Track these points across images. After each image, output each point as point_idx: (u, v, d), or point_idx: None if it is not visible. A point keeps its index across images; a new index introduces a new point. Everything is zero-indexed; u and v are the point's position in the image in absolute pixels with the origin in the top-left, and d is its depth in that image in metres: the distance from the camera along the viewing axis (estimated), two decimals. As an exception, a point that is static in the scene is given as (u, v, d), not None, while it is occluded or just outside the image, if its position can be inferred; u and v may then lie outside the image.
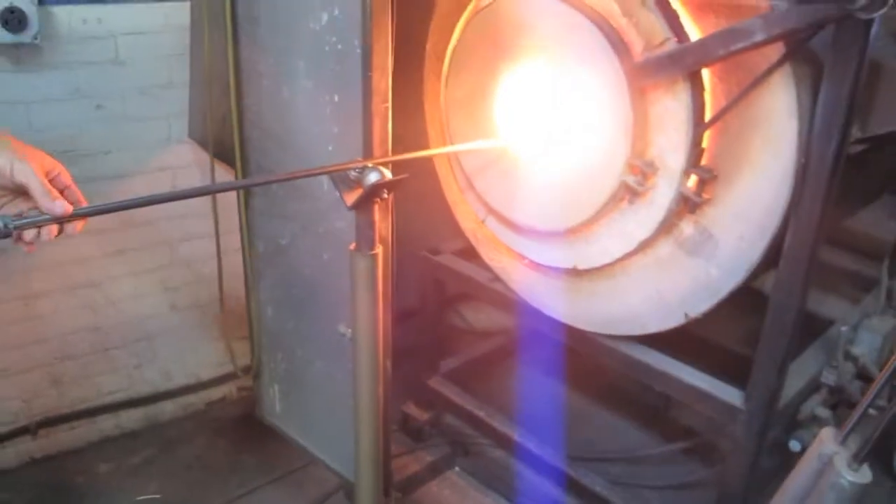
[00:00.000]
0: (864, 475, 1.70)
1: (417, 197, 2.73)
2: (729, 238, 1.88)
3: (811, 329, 2.34)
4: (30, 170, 1.23)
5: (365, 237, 1.71)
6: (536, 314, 2.38)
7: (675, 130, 1.83)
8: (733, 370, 2.12)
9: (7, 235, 1.19)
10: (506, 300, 2.48)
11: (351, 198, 1.66)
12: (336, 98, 1.88)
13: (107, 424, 2.91)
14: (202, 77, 2.38)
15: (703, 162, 1.86)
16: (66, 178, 1.34)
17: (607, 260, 2.06)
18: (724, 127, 1.82)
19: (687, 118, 1.80)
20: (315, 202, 2.07)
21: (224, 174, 2.64)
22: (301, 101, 2.01)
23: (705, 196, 1.86)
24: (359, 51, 1.74)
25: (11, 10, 2.27)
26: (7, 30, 2.27)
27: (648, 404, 3.09)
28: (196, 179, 2.74)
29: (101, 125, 2.56)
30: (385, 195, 1.68)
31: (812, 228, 1.74)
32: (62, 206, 1.25)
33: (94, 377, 2.84)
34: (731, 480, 2.11)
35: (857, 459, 1.70)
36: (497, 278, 2.50)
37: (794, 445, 2.28)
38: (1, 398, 2.67)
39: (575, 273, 2.19)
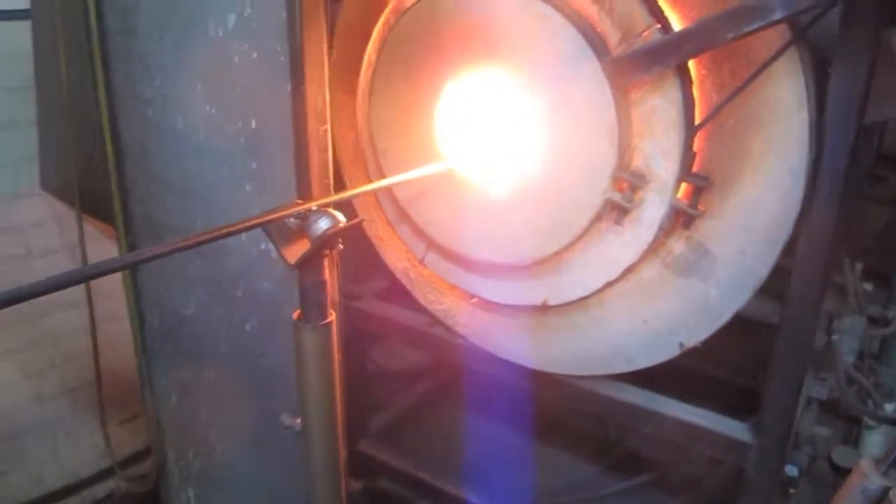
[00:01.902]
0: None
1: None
2: (729, 253, 1.62)
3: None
4: None
5: (313, 303, 1.33)
6: (490, 360, 2.05)
7: (664, 133, 1.55)
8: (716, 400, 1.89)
9: None
10: (450, 346, 2.13)
11: (293, 254, 1.28)
12: (253, 124, 1.47)
13: (-32, 551, 2.36)
14: (57, 112, 1.90)
15: (696, 168, 1.60)
16: None
17: (584, 293, 1.76)
18: (718, 126, 1.56)
19: (678, 118, 1.53)
20: (227, 259, 1.64)
21: (92, 230, 2.18)
22: (203, 132, 1.58)
23: (700, 207, 1.60)
24: (283, 58, 1.34)
25: None
26: None
27: (599, 437, 2.84)
28: (55, 238, 2.24)
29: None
30: (339, 246, 1.31)
31: (828, 234, 1.51)
32: None
33: (-55, 496, 2.29)
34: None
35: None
36: (437, 322, 2.15)
37: (791, 470, 2.06)
38: None
39: (541, 309, 1.88)
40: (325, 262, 1.32)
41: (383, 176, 1.98)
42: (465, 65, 1.68)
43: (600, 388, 1.93)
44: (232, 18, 1.42)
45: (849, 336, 2.19)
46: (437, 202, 1.86)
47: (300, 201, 1.33)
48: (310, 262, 1.29)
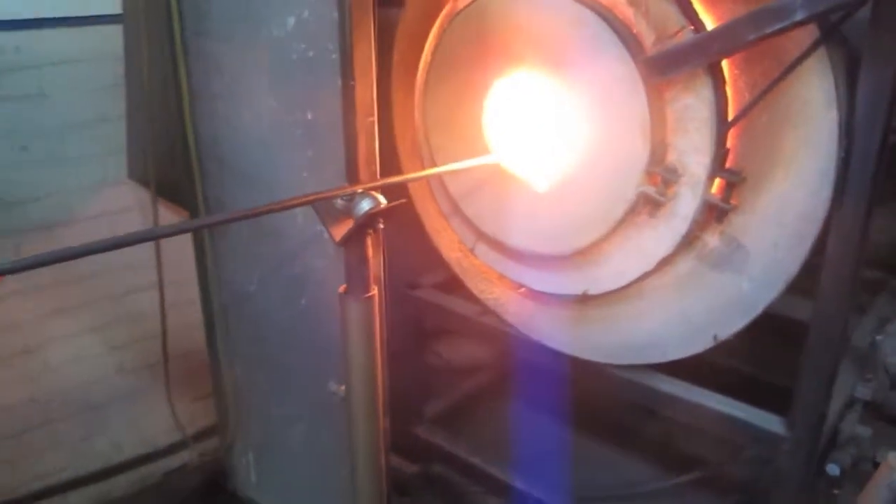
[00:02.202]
0: (945, 506, 1.52)
1: (390, 227, 2.50)
2: (762, 247, 1.67)
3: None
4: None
5: (357, 278, 1.45)
6: (537, 348, 2.14)
7: (696, 131, 1.62)
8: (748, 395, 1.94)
9: None
10: (499, 335, 2.23)
11: (339, 231, 1.40)
12: (309, 115, 1.62)
13: (53, 508, 2.57)
14: (141, 108, 2.09)
15: (729, 164, 1.66)
16: None
17: (622, 283, 1.84)
18: (750, 124, 1.62)
19: (710, 116, 1.60)
20: (286, 241, 1.79)
21: (172, 217, 2.37)
22: (266, 123, 1.74)
23: (733, 202, 1.66)
24: (335, 56, 1.48)
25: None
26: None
27: (649, 437, 2.88)
28: (138, 225, 2.44)
29: (27, 169, 2.26)
30: (380, 225, 1.43)
31: (857, 230, 1.55)
32: None
33: (35, 455, 2.50)
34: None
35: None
36: (487, 311, 2.26)
37: (833, 469, 2.08)
38: (-75, 491, 2.32)
39: (582, 300, 1.96)
40: (368, 240, 1.44)
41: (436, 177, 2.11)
42: (511, 65, 1.79)
43: (641, 377, 2.00)
44: (291, 21, 1.56)
45: (894, 338, 2.20)
46: (486, 195, 1.97)
47: (347, 185, 1.46)
48: (354, 240, 1.41)
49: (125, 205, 2.45)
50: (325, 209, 1.41)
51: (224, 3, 1.74)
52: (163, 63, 1.96)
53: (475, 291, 2.26)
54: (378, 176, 1.56)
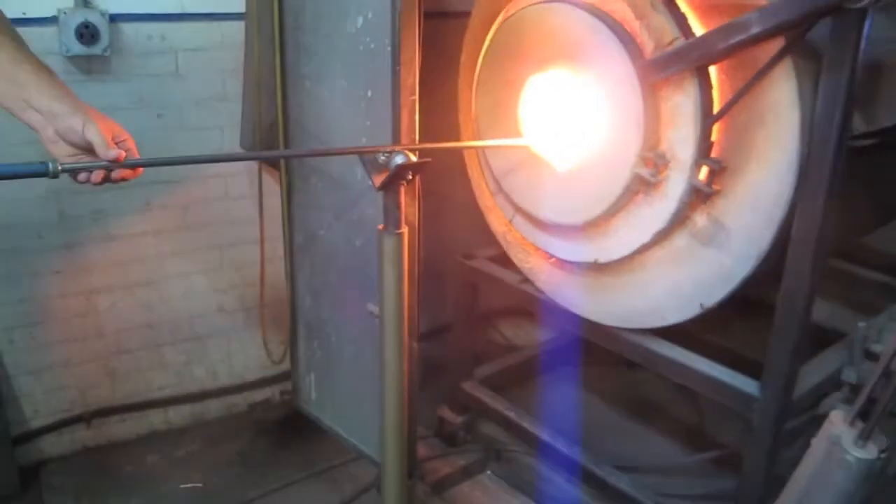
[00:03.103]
0: (871, 452, 1.76)
1: (454, 206, 2.90)
2: (739, 227, 1.97)
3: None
4: (97, 128, 1.44)
5: (392, 218, 1.84)
6: (563, 313, 2.48)
7: (684, 124, 1.95)
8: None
9: (54, 176, 1.38)
10: (534, 300, 2.58)
11: (379, 179, 1.80)
12: (369, 93, 2.05)
13: (156, 419, 3.07)
14: (252, 88, 2.58)
15: (713, 154, 1.97)
16: (130, 143, 1.54)
17: (625, 252, 2.17)
18: (732, 121, 1.93)
19: (695, 112, 1.92)
20: (348, 192, 2.24)
21: (272, 180, 2.85)
22: (338, 99, 2.19)
23: (715, 187, 1.97)
24: (388, 48, 1.91)
25: (86, 25, 2.50)
26: (81, 42, 2.50)
27: (682, 419, 3.16)
28: (245, 185, 2.92)
29: (160, 133, 2.76)
30: (409, 177, 1.82)
31: (818, 215, 1.82)
32: (114, 154, 1.44)
33: (146, 372, 3.01)
34: (751, 468, 2.16)
35: (864, 437, 1.77)
36: (526, 280, 2.62)
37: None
38: (60, 387, 2.85)
39: (597, 269, 2.30)
40: (402, 188, 1.83)
41: (485, 155, 2.50)
42: (541, 65, 2.16)
43: (646, 342, 2.32)
44: (360, 20, 2.01)
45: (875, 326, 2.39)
46: (521, 174, 2.34)
47: (388, 145, 1.87)
48: (390, 187, 1.81)
49: (237, 169, 2.93)
50: (371, 162, 1.81)
51: (314, 5, 2.21)
52: (270, 52, 2.45)
53: (516, 261, 2.63)
54: (416, 142, 1.96)
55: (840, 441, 1.81)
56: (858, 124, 2.02)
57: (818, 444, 1.90)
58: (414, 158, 1.79)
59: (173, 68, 2.75)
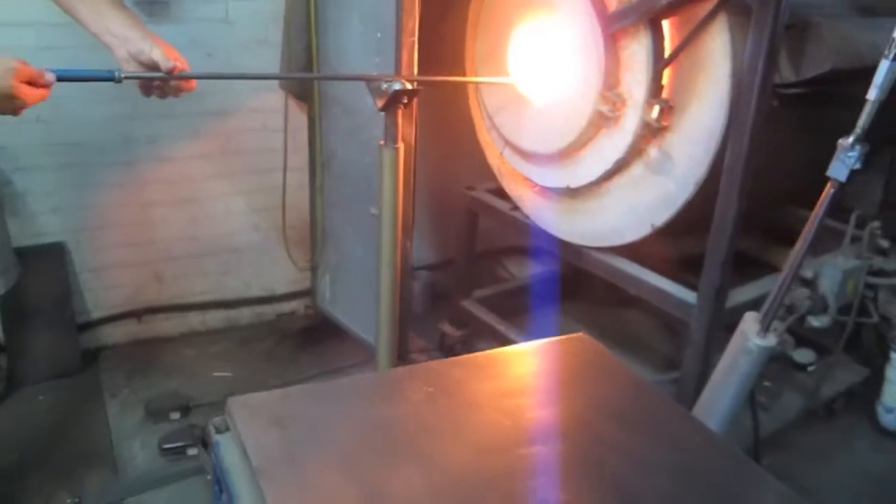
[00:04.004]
0: (769, 341, 2.15)
1: (459, 146, 3.31)
2: (682, 158, 2.35)
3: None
4: (160, 49, 1.86)
5: (390, 135, 2.26)
6: (543, 234, 2.89)
7: (638, 69, 2.33)
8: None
9: (118, 81, 1.79)
10: (521, 225, 2.99)
11: (380, 102, 2.23)
12: (378, 35, 2.49)
13: (195, 320, 3.55)
14: (290, 35, 3.03)
15: (663, 95, 2.35)
16: (183, 63, 1.94)
17: (591, 178, 2.55)
18: (679, 67, 2.30)
19: (647, 59, 2.30)
20: (360, 117, 2.68)
21: (301, 114, 3.29)
22: (356, 39, 2.63)
23: (664, 123, 2.34)
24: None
25: (144, -31, 2.96)
26: (139, -16, 2.96)
27: (661, 353, 3.52)
28: (280, 119, 3.36)
29: (210, 70, 3.20)
30: (405, 101, 2.23)
31: (744, 146, 2.19)
32: (171, 65, 1.86)
33: (188, 279, 3.47)
34: (687, 367, 2.55)
35: (764, 327, 2.15)
36: (515, 207, 3.03)
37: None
38: (116, 286, 3.34)
39: (569, 195, 2.69)
40: (399, 111, 2.25)
41: (481, 95, 2.91)
42: (523, 19, 2.56)
43: (608, 259, 2.71)
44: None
45: (834, 269, 2.73)
46: (509, 110, 2.74)
47: (389, 74, 2.28)
48: (389, 109, 2.22)
49: (274, 106, 3.36)
50: (375, 88, 2.22)
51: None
52: (304, 3, 2.89)
53: (507, 191, 3.04)
54: (413, 74, 2.39)
55: (745, 332, 2.19)
56: (788, 74, 2.39)
57: (734, 340, 2.29)
58: (408, 86, 2.20)
59: (223, 15, 3.17)
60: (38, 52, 2.87)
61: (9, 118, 2.68)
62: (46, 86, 1.69)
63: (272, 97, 3.36)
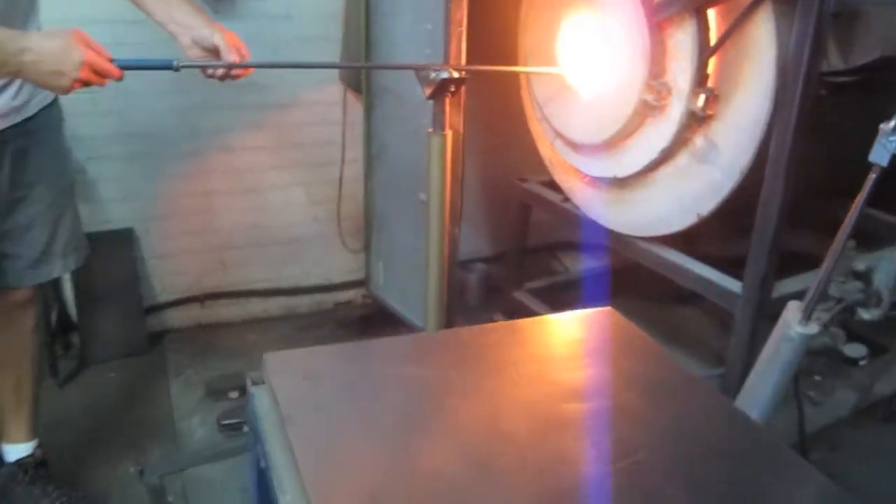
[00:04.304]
0: (811, 329, 2.14)
1: (512, 138, 3.36)
2: (728, 146, 2.36)
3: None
4: (222, 37, 1.96)
5: (438, 122, 2.33)
6: (593, 226, 2.92)
7: (684, 58, 2.34)
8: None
9: (176, 70, 1.89)
10: (572, 216, 3.03)
11: (428, 91, 2.30)
12: (428, 27, 2.56)
13: (256, 307, 3.68)
14: (348, 29, 3.13)
15: (709, 84, 2.36)
16: (244, 51, 2.04)
17: (638, 167, 2.57)
18: (725, 55, 2.31)
19: (693, 48, 2.31)
20: (410, 106, 2.77)
21: (358, 106, 3.40)
22: (407, 32, 2.71)
23: (709, 112, 2.36)
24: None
25: (215, -23, 3.10)
26: (214, -7, 3.10)
27: (714, 350, 3.50)
28: (338, 112, 3.46)
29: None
30: (452, 89, 2.30)
31: (790, 134, 2.19)
32: (233, 58, 1.96)
33: (250, 266, 3.60)
34: (732, 358, 2.55)
35: (806, 315, 2.15)
36: (566, 199, 3.06)
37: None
38: (181, 272, 3.49)
39: (618, 185, 2.72)
40: (447, 99, 2.31)
41: (531, 87, 2.95)
42: (570, 11, 2.60)
43: (655, 249, 2.73)
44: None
45: (891, 263, 2.70)
46: (558, 101, 2.78)
47: (437, 63, 2.36)
48: (436, 96, 2.29)
49: (334, 99, 3.47)
50: (424, 77, 2.30)
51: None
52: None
53: (558, 182, 3.08)
54: (461, 63, 2.46)
55: (788, 321, 2.19)
56: (837, 62, 2.38)
57: (776, 328, 2.28)
58: (455, 75, 2.27)
59: (285, 11, 3.30)
60: (113, 48, 3.03)
61: (86, 110, 2.85)
62: (110, 77, 1.79)
63: (332, 91, 3.47)
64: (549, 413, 1.34)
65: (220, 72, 1.97)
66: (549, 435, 1.29)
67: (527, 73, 2.92)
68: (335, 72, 3.41)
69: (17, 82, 2.03)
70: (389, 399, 1.31)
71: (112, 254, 3.28)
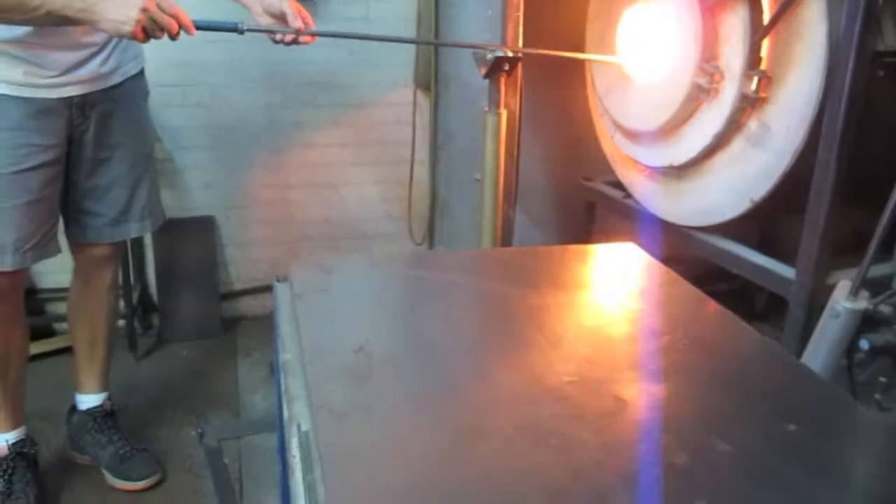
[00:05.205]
0: (859, 304, 2.11)
1: (579, 138, 3.42)
2: (780, 128, 2.36)
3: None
4: (289, 4, 2.12)
5: (493, 101, 2.44)
6: (652, 218, 2.94)
7: (736, 41, 2.37)
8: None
9: (241, 32, 2.03)
10: (633, 211, 3.06)
11: (483, 70, 2.41)
12: (489, 12, 2.67)
13: (328, 300, 3.82)
14: (420, 26, 3.29)
15: (762, 67, 2.38)
16: (309, 20, 2.19)
17: (693, 154, 2.60)
18: (777, 37, 2.33)
19: (744, 31, 2.35)
20: (472, 91, 2.88)
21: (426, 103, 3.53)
22: (471, 20, 2.84)
23: (762, 94, 2.38)
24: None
25: (299, -25, 3.30)
26: (294, -13, 3.31)
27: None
28: (409, 112, 3.60)
29: (351, 66, 3.51)
30: (507, 68, 2.40)
31: (842, 114, 2.19)
32: (298, 25, 2.11)
33: (320, 256, 3.76)
34: (786, 347, 2.51)
35: (853, 290, 2.12)
36: (628, 195, 3.10)
37: (863, 345, 2.60)
38: (257, 260, 3.68)
39: (675, 175, 2.75)
40: (502, 78, 2.41)
41: (593, 81, 3.02)
42: (628, 2, 2.67)
43: (710, 239, 2.73)
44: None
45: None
46: (616, 91, 2.84)
47: (493, 44, 2.47)
48: (491, 76, 2.40)
49: (407, 100, 3.63)
50: (480, 57, 2.41)
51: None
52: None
53: (620, 177, 3.12)
54: (518, 46, 2.56)
55: (834, 295, 2.16)
56: (894, 42, 2.37)
57: (827, 307, 2.25)
58: (510, 55, 2.37)
59: (365, 14, 3.49)
60: (204, 44, 3.27)
61: (176, 101, 3.06)
62: (178, 21, 1.92)
63: (406, 92, 3.62)
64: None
65: (288, 37, 2.11)
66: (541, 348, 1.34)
67: (590, 67, 2.99)
68: (409, 74, 3.56)
69: (107, 50, 2.24)
70: (399, 293, 1.40)
71: (194, 240, 3.49)
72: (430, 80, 3.38)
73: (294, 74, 3.41)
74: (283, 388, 1.12)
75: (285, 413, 1.08)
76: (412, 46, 3.50)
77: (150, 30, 1.89)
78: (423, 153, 3.61)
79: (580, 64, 3.15)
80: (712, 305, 1.56)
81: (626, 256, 1.79)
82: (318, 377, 1.09)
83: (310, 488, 0.93)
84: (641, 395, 1.18)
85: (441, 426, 1.06)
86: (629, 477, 0.97)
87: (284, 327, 1.27)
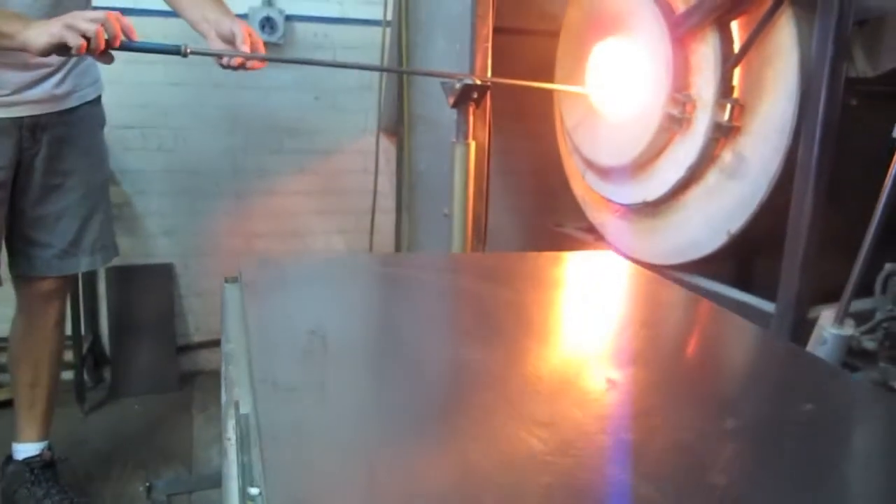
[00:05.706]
0: (846, 331, 2.04)
1: (549, 185, 3.37)
2: (755, 158, 2.31)
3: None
4: (239, 28, 2.06)
5: (461, 131, 2.37)
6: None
7: (707, 69, 2.34)
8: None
9: (184, 55, 1.93)
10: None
11: (452, 99, 2.35)
12: (457, 47, 2.63)
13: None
14: (390, 81, 3.26)
15: (735, 95, 2.35)
16: (259, 46, 2.13)
17: (667, 188, 2.54)
18: (748, 65, 2.31)
19: (715, 59, 2.32)
20: (442, 131, 2.80)
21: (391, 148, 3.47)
22: (440, 56, 2.80)
23: (735, 123, 2.34)
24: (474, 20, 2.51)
25: (267, 19, 3.26)
26: (263, 32, 3.26)
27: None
28: (382, 163, 3.53)
29: (316, 112, 3.46)
30: (475, 96, 2.34)
31: (816, 141, 2.15)
32: (245, 49, 2.04)
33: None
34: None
35: (839, 317, 2.04)
36: (600, 237, 3.03)
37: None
38: (217, 312, 3.51)
39: (649, 213, 2.68)
40: (470, 108, 2.35)
41: (562, 119, 2.98)
42: (596, 37, 2.65)
43: (687, 278, 2.65)
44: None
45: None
46: (585, 126, 2.80)
47: (461, 73, 2.41)
48: (459, 105, 2.33)
49: (373, 148, 3.57)
50: (448, 86, 2.35)
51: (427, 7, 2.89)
52: (396, 39, 3.12)
53: (591, 219, 3.05)
54: (486, 75, 2.51)
55: (821, 323, 2.08)
56: (865, 68, 2.35)
57: (813, 335, 2.17)
58: (478, 83, 2.31)
59: (332, 58, 3.45)
60: (165, 86, 3.20)
61: (136, 145, 2.96)
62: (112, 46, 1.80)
63: (372, 139, 3.56)
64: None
65: (235, 61, 2.03)
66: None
67: (559, 107, 2.95)
68: (373, 121, 3.51)
69: (62, 72, 2.15)
70: (355, 280, 1.31)
71: (151, 288, 3.35)
72: (396, 122, 3.31)
73: (258, 119, 3.34)
74: (223, 375, 1.01)
75: (223, 398, 0.98)
76: (375, 92, 3.45)
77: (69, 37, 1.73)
78: (389, 201, 3.52)
79: (551, 108, 3.12)
80: (703, 302, 1.50)
81: (606, 262, 1.71)
82: (262, 354, 1.00)
83: (245, 469, 0.81)
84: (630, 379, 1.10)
85: (399, 404, 0.97)
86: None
87: (231, 322, 1.15)
